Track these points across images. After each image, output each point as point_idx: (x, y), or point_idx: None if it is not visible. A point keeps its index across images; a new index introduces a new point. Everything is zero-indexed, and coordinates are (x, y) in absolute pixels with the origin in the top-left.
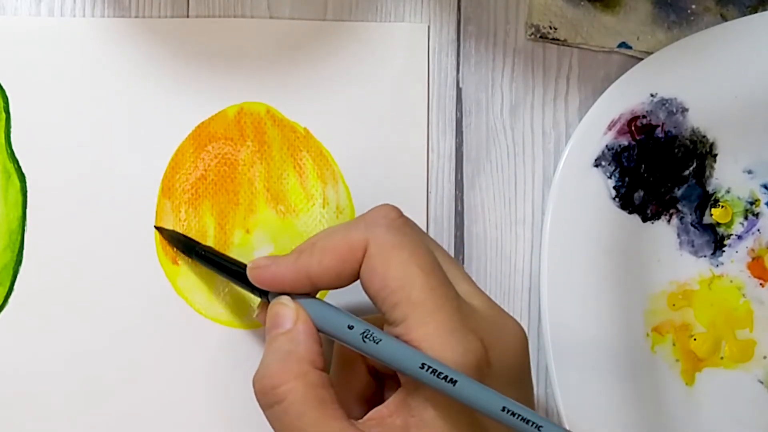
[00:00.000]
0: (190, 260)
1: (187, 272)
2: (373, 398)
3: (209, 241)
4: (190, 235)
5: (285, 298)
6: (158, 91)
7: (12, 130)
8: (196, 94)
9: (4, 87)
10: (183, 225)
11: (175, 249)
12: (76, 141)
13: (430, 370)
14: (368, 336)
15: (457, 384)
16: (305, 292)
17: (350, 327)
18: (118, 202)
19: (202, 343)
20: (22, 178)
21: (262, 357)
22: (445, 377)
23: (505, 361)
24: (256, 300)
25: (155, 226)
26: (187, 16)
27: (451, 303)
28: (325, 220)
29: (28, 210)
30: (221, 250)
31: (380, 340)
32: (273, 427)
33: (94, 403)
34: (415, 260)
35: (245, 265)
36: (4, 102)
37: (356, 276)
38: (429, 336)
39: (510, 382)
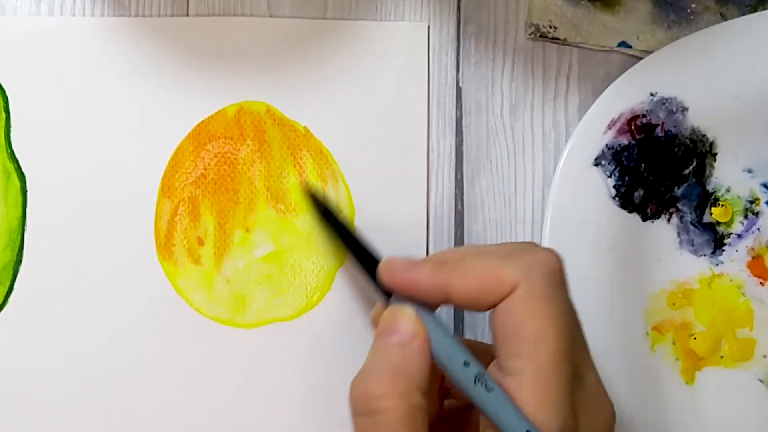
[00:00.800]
0: (319, 227)
1: (187, 272)
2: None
3: (209, 241)
4: (192, 235)
5: (409, 309)
6: (158, 89)
7: (12, 129)
8: (195, 93)
9: (4, 87)
10: (183, 224)
11: (317, 212)
12: (76, 140)
13: None
14: (481, 380)
15: None
16: (431, 304)
17: (466, 364)
18: (117, 201)
19: (202, 343)
20: (21, 177)
21: (367, 360)
22: None
23: None
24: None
25: (305, 186)
26: (187, 15)
27: (568, 375)
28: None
29: (28, 209)
30: (221, 250)
31: (492, 389)
32: None
33: (93, 402)
34: (557, 322)
35: (378, 259)
36: (4, 102)
37: (489, 307)
38: (536, 402)
39: None
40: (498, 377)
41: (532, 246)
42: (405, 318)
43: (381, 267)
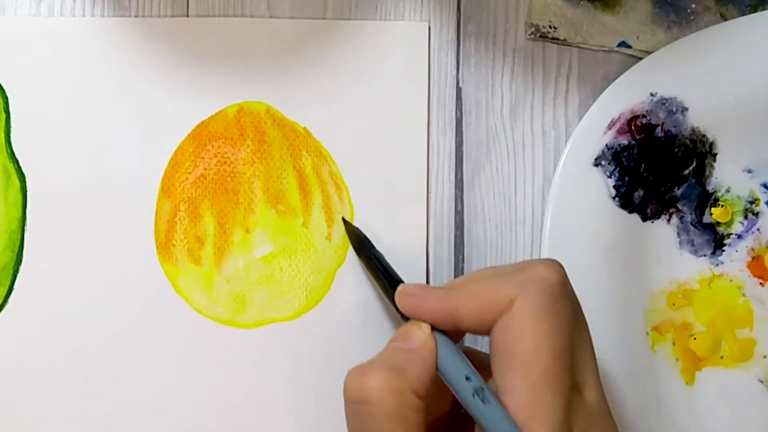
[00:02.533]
0: (357, 258)
1: (187, 272)
2: (451, 425)
3: (209, 241)
4: (192, 235)
5: (425, 325)
6: (158, 90)
7: (12, 130)
8: (195, 94)
9: (4, 87)
10: (183, 224)
11: (352, 242)
12: (76, 141)
13: None
14: (479, 393)
15: None
16: (445, 329)
17: (468, 378)
18: (117, 201)
19: (202, 343)
20: (22, 177)
21: (375, 356)
22: None
23: None
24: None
25: (342, 218)
26: (187, 16)
27: (563, 392)
28: (324, 220)
29: (28, 210)
30: (221, 250)
31: (489, 402)
32: (348, 422)
33: (93, 402)
34: (552, 339)
35: (398, 284)
36: (4, 102)
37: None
38: (529, 417)
39: None
40: (494, 394)
41: (535, 261)
42: (418, 330)
43: (396, 295)
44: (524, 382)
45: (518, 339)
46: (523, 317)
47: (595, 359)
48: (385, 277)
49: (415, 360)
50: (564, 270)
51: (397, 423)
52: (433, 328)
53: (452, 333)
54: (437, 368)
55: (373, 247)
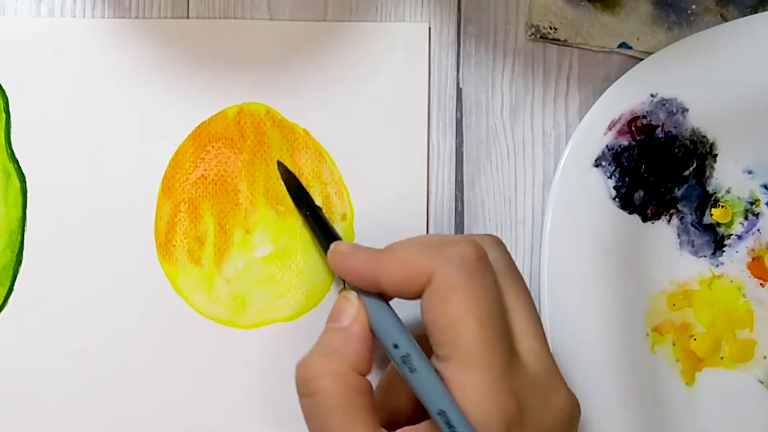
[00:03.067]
0: (293, 209)
1: (187, 272)
2: (420, 411)
3: (209, 241)
4: (192, 236)
5: (352, 295)
6: (158, 91)
7: (12, 130)
8: (196, 95)
9: (4, 87)
10: (183, 225)
11: (290, 192)
12: (76, 141)
13: (445, 420)
14: (407, 361)
15: None
16: (369, 290)
17: (396, 346)
18: (118, 202)
19: (202, 343)
20: (22, 178)
21: (314, 343)
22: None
23: (543, 428)
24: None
25: (278, 162)
26: (188, 17)
27: (496, 358)
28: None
29: (28, 210)
30: (221, 250)
31: (414, 369)
32: (304, 416)
33: (93, 402)
34: (473, 308)
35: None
36: (4, 102)
37: (416, 297)
38: (465, 386)
39: None
40: (437, 366)
41: (458, 238)
42: (347, 303)
43: (329, 251)
44: (454, 352)
45: (441, 312)
46: (444, 292)
47: (537, 325)
48: (321, 233)
49: (348, 338)
50: (483, 248)
51: (345, 410)
52: (365, 293)
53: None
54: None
55: (312, 200)
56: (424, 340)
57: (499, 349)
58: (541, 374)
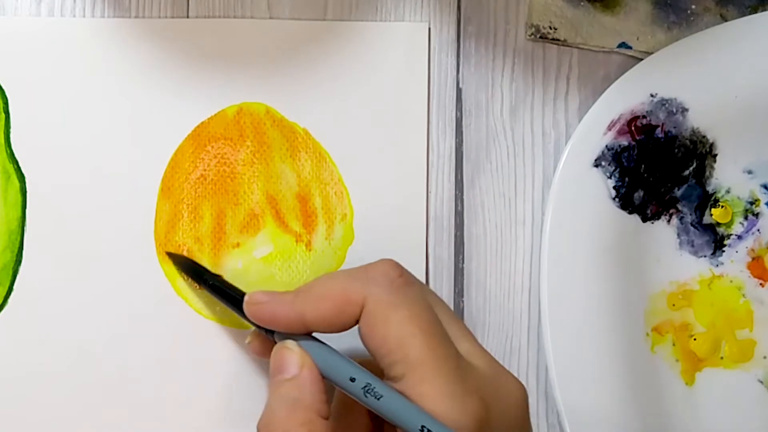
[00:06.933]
0: (197, 287)
1: None
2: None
3: (208, 241)
4: (192, 236)
5: (291, 343)
6: (158, 91)
7: (12, 130)
8: (195, 95)
9: (4, 87)
10: (183, 225)
11: (184, 276)
12: (76, 141)
13: None
14: (369, 391)
15: None
16: (301, 333)
17: (352, 379)
18: (117, 202)
19: (202, 343)
20: (21, 178)
21: (266, 402)
22: None
23: (506, 421)
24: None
25: (166, 252)
26: (187, 17)
27: (450, 363)
28: (324, 221)
29: (27, 210)
30: (221, 251)
31: (381, 396)
32: None
33: (93, 403)
34: (414, 320)
35: (243, 296)
36: (3, 102)
37: (350, 326)
38: (427, 396)
39: None
40: (392, 385)
41: (373, 263)
42: (289, 352)
43: (245, 305)
44: (408, 367)
45: (383, 332)
46: (381, 313)
47: (464, 326)
48: (229, 297)
49: (303, 385)
50: (401, 265)
51: None
52: (297, 336)
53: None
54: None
55: (209, 272)
56: (368, 366)
57: (448, 354)
58: (487, 369)
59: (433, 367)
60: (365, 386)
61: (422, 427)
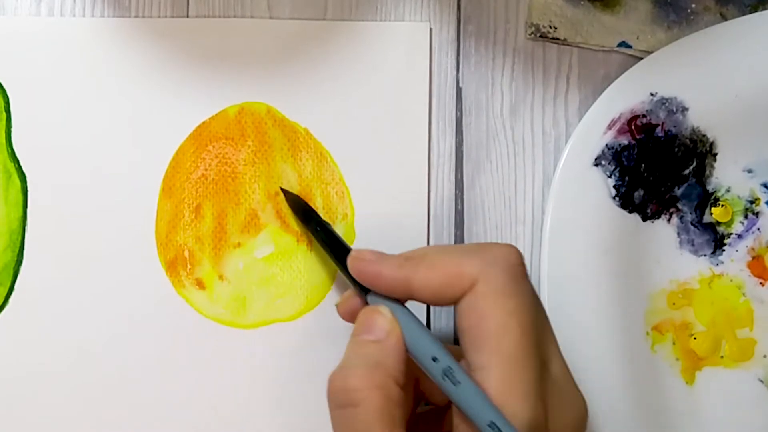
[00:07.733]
0: (303, 229)
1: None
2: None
3: (209, 241)
4: (193, 236)
5: (384, 309)
6: (158, 91)
7: (12, 130)
8: (196, 94)
9: (5, 87)
10: (184, 224)
11: (294, 214)
12: (77, 141)
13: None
14: (449, 374)
15: None
16: (401, 298)
17: (434, 359)
18: (118, 201)
19: (203, 344)
20: (22, 177)
21: (345, 355)
22: None
23: (562, 431)
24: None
25: (281, 188)
26: (188, 16)
27: (534, 366)
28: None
29: (28, 210)
30: (222, 251)
31: (459, 383)
32: (334, 426)
33: (94, 402)
34: (519, 314)
35: (349, 251)
36: (4, 102)
37: (453, 302)
38: (502, 394)
39: None
40: (468, 373)
41: (494, 244)
42: (380, 317)
43: (350, 258)
44: (496, 358)
45: (486, 316)
46: (489, 295)
47: (555, 336)
48: (334, 247)
49: (387, 351)
50: (522, 254)
51: (385, 423)
52: (391, 302)
53: (399, 301)
54: (408, 353)
55: (319, 216)
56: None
57: (536, 358)
58: (561, 379)
59: (520, 367)
60: (446, 369)
61: (491, 423)
